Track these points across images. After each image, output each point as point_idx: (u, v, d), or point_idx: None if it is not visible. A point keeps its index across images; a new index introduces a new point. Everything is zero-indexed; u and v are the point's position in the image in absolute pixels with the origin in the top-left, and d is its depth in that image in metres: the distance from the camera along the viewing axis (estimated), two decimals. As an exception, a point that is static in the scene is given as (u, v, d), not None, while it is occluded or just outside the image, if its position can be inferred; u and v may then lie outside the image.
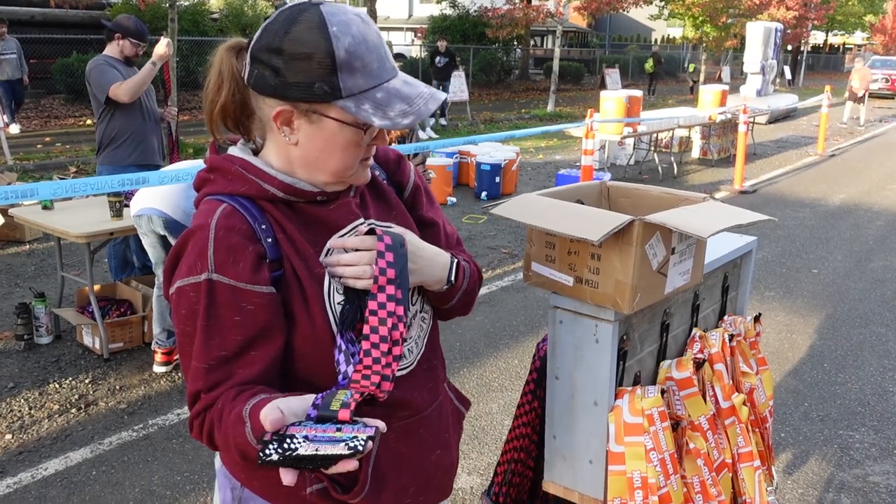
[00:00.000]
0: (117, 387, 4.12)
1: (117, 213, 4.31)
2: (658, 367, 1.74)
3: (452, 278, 1.26)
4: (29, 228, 6.39)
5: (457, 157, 9.26)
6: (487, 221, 7.71)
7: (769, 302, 5.59)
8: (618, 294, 1.46)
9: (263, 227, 1.15)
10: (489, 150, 9.27)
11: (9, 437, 3.59)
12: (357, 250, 1.16)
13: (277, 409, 0.93)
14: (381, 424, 0.93)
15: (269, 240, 1.15)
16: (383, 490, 1.23)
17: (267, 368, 1.13)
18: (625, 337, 1.58)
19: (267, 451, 0.86)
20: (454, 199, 8.60)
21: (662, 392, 1.58)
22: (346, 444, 0.86)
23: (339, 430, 0.88)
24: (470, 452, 3.44)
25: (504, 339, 4.74)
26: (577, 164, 10.30)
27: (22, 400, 3.93)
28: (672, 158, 11.04)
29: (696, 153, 12.06)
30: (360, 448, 0.86)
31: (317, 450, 0.85)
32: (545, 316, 5.15)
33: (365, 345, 1.07)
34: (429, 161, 8.74)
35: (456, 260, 1.29)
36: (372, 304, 1.09)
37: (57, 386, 4.08)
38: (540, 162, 11.48)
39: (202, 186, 1.22)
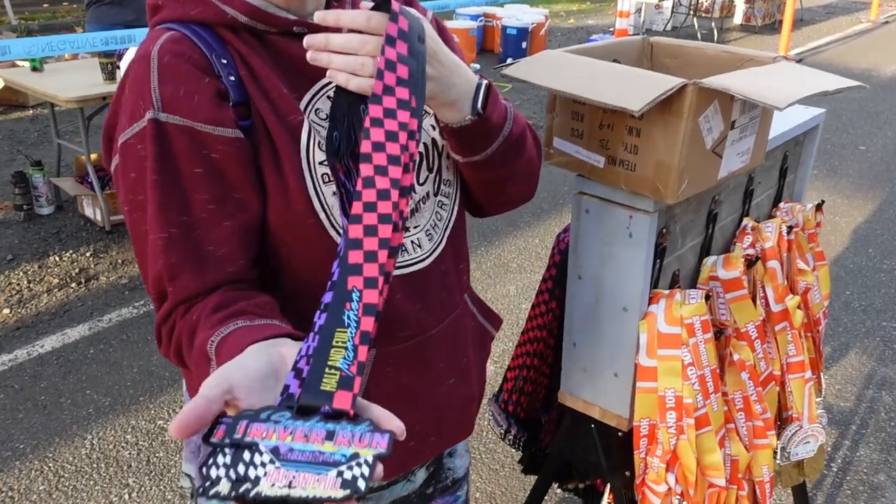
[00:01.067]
0: (119, 261, 3.95)
1: (109, 75, 3.99)
2: (700, 265, 1.47)
3: (480, 105, 0.89)
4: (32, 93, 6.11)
5: (481, 21, 8.68)
6: (513, 90, 7.25)
7: (811, 181, 5.21)
8: (659, 179, 1.16)
9: (224, 61, 0.86)
10: (516, 12, 8.67)
11: (6, 311, 3.46)
12: (357, 32, 0.78)
13: (221, 388, 0.59)
14: (399, 426, 0.60)
15: (232, 78, 0.86)
16: None
17: (246, 250, 0.86)
18: (664, 231, 1.30)
19: (212, 474, 0.55)
20: (477, 66, 8.10)
21: (707, 297, 1.31)
22: (340, 476, 0.55)
23: (330, 435, 0.58)
24: (484, 337, 3.26)
25: (525, 217, 4.47)
26: (611, 28, 9.66)
27: (21, 273, 3.78)
28: (712, 24, 10.28)
29: (738, 18, 11.21)
30: (362, 483, 0.55)
31: (290, 484, 0.54)
32: (571, 196, 4.84)
33: (366, 170, 0.72)
34: (451, 24, 8.19)
35: (486, 82, 0.90)
36: (375, 110, 0.74)
37: (57, 259, 3.92)
38: (570, 27, 10.78)
39: (153, 17, 0.93)
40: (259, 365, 0.63)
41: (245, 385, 0.61)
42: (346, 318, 0.66)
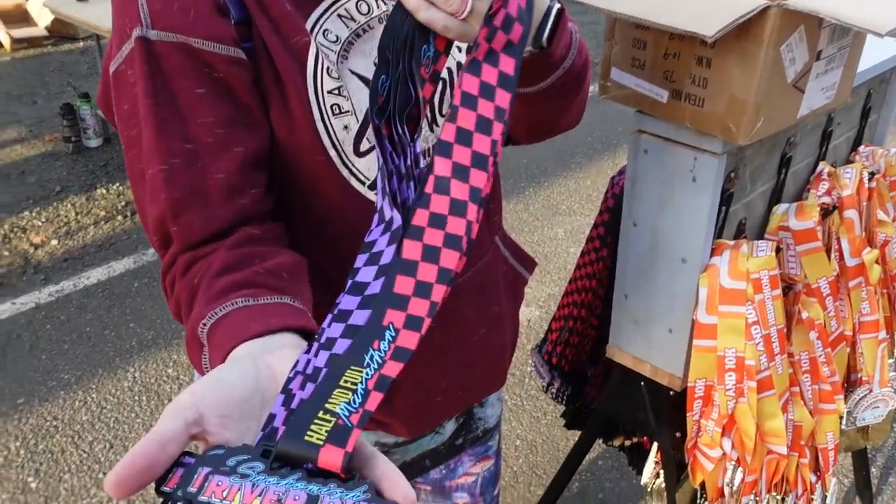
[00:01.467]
0: (164, 194, 3.94)
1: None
2: (770, 214, 1.34)
3: (545, 37, 0.72)
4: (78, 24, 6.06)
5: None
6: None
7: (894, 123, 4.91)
8: (731, 116, 1.03)
9: None
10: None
11: (55, 242, 3.47)
12: None
13: (186, 419, 0.47)
14: (407, 495, 0.47)
15: None
16: (398, 389, 0.92)
17: (259, 178, 0.74)
18: (731, 175, 1.17)
19: None
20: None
21: (777, 249, 1.18)
22: None
23: (314, 499, 0.45)
24: (530, 281, 3.16)
25: (576, 158, 4.31)
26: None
27: (69, 205, 3.79)
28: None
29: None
30: None
31: None
32: (626, 136, 4.65)
33: (442, 167, 0.58)
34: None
35: (557, 6, 0.73)
36: (470, 83, 0.57)
37: (104, 192, 3.91)
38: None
39: None
40: (243, 383, 0.51)
41: (219, 412, 0.48)
42: (367, 357, 0.51)
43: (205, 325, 0.61)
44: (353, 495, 0.44)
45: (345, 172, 0.80)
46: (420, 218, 0.57)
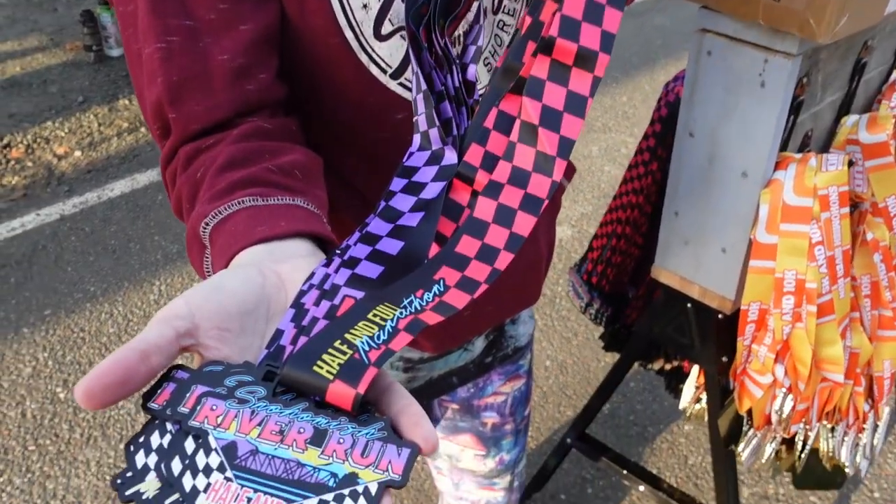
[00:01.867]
0: (188, 106, 3.85)
1: None
2: (837, 126, 1.23)
3: None
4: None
5: None
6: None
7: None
8: (812, 10, 0.91)
9: None
10: None
11: (78, 153, 3.42)
12: None
13: (177, 328, 0.40)
14: (429, 437, 0.39)
15: None
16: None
17: (268, 59, 0.65)
18: (803, 80, 1.06)
19: (137, 462, 0.37)
20: None
21: (850, 163, 1.08)
22: None
23: (319, 437, 0.38)
24: (563, 200, 3.06)
25: (611, 72, 4.13)
26: None
27: (91, 115, 3.72)
28: None
29: None
30: None
31: None
32: (664, 51, 4.45)
33: (530, 107, 0.49)
34: None
35: None
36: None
37: (127, 102, 3.83)
38: None
39: None
40: (246, 292, 0.43)
41: (217, 324, 0.41)
42: (406, 300, 0.45)
43: (207, 224, 0.53)
44: (367, 432, 0.38)
45: (363, 58, 0.70)
46: (501, 172, 0.49)
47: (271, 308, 0.44)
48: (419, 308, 0.45)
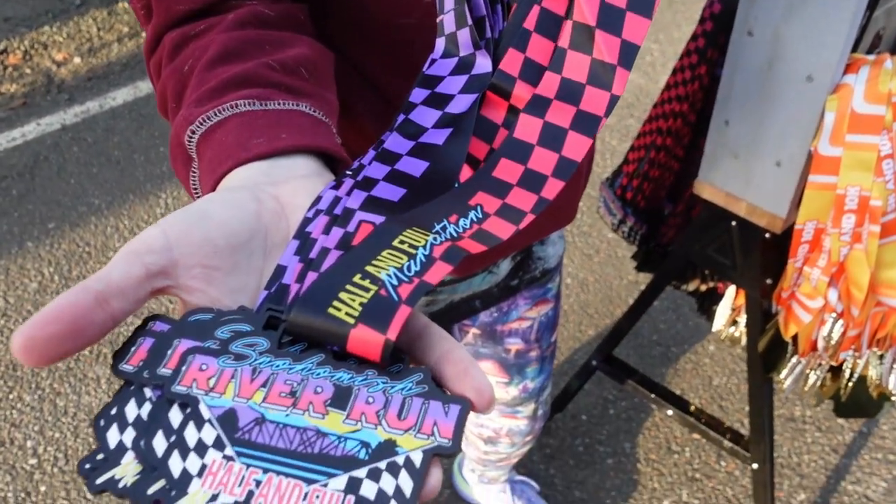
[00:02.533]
0: (190, 10, 3.67)
1: None
2: (911, 24, 1.10)
3: None
4: None
5: None
6: None
7: None
8: None
9: None
10: None
11: (77, 60, 3.28)
12: None
13: (148, 266, 0.31)
14: (483, 389, 0.31)
15: None
16: None
17: None
18: (883, -31, 0.93)
19: (109, 440, 0.29)
20: None
21: (931, 67, 0.96)
22: (354, 491, 0.28)
23: (342, 397, 0.30)
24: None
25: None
26: None
27: (90, 20, 3.55)
28: None
29: None
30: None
31: (248, 500, 0.27)
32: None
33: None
34: None
35: None
36: None
37: (126, 5, 3.65)
38: None
39: None
40: (237, 220, 0.35)
41: (201, 261, 0.33)
42: (439, 226, 0.37)
43: (193, 133, 0.44)
44: (403, 387, 0.30)
45: None
46: (547, 86, 0.40)
47: (269, 240, 0.36)
48: (455, 235, 0.36)
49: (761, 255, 1.18)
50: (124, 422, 0.29)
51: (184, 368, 0.30)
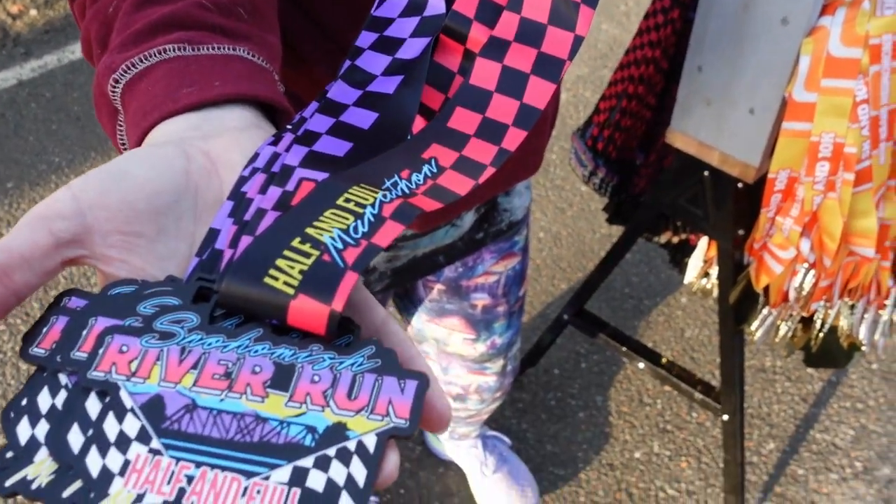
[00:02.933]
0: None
1: None
2: (889, -35, 1.06)
3: None
4: None
5: None
6: None
7: None
8: None
9: None
10: None
11: (33, 13, 3.15)
12: None
13: (57, 231, 0.28)
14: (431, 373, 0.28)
15: None
16: None
17: None
18: None
19: (19, 435, 0.25)
20: None
21: (909, 8, 0.94)
22: (299, 483, 0.25)
23: (283, 377, 0.27)
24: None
25: (611, -78, 3.81)
26: None
27: (45, -30, 3.41)
28: None
29: None
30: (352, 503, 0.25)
31: (178, 499, 0.24)
32: None
33: None
34: None
35: None
36: None
37: (83, -46, 3.52)
38: None
39: None
40: (162, 180, 0.31)
41: (120, 226, 0.30)
42: (390, 182, 0.33)
43: (117, 82, 0.39)
44: (353, 362, 0.27)
45: None
46: (505, 27, 0.37)
47: (200, 201, 0.32)
48: (407, 191, 0.33)
49: (734, 206, 1.16)
50: (36, 414, 0.26)
51: (101, 351, 0.27)
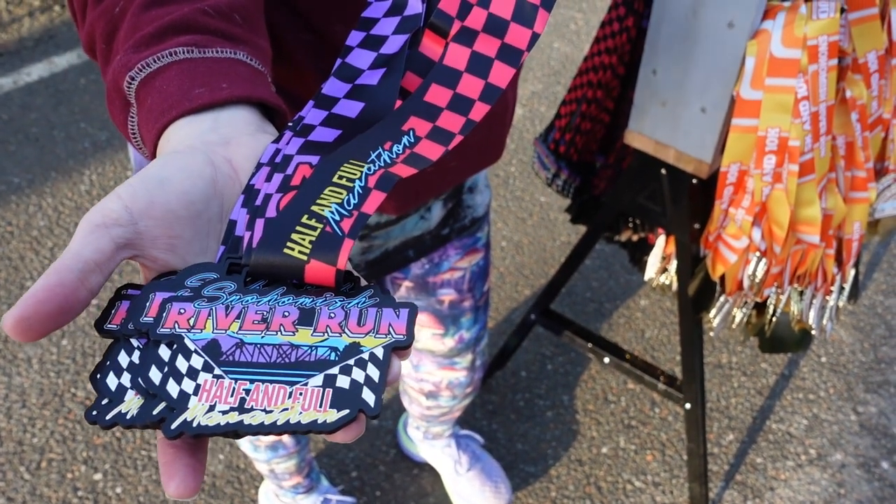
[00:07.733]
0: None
1: None
2: (822, -25, 1.16)
3: None
4: None
5: None
6: None
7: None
8: None
9: None
10: None
11: (-14, 36, 3.13)
12: None
13: (115, 239, 0.34)
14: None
15: None
16: None
17: None
18: (796, -82, 0.98)
19: (109, 385, 0.32)
20: None
21: (842, 10, 1.02)
22: (330, 385, 0.32)
23: (306, 316, 0.34)
24: (512, 79, 2.96)
25: (559, -55, 3.94)
26: None
27: (-3, -7, 3.39)
28: None
29: None
30: (371, 396, 0.32)
31: (241, 405, 0.31)
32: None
33: None
34: None
35: None
36: None
37: (36, -21, 3.50)
38: None
39: None
40: (196, 189, 0.37)
41: (165, 230, 0.36)
42: (375, 155, 0.40)
43: (132, 79, 0.44)
44: (358, 302, 0.35)
45: None
46: (475, 19, 0.45)
47: (225, 205, 0.39)
48: (389, 161, 0.40)
49: (690, 201, 1.24)
50: (119, 369, 0.33)
51: (164, 315, 0.34)
